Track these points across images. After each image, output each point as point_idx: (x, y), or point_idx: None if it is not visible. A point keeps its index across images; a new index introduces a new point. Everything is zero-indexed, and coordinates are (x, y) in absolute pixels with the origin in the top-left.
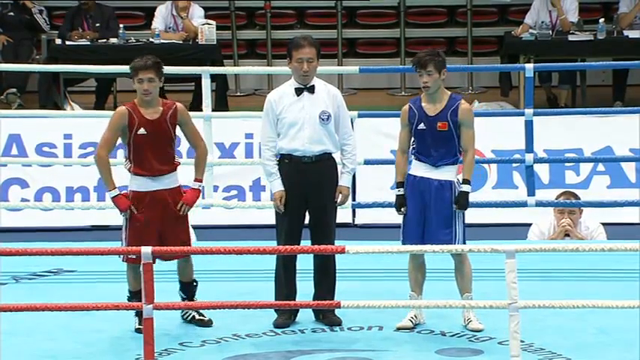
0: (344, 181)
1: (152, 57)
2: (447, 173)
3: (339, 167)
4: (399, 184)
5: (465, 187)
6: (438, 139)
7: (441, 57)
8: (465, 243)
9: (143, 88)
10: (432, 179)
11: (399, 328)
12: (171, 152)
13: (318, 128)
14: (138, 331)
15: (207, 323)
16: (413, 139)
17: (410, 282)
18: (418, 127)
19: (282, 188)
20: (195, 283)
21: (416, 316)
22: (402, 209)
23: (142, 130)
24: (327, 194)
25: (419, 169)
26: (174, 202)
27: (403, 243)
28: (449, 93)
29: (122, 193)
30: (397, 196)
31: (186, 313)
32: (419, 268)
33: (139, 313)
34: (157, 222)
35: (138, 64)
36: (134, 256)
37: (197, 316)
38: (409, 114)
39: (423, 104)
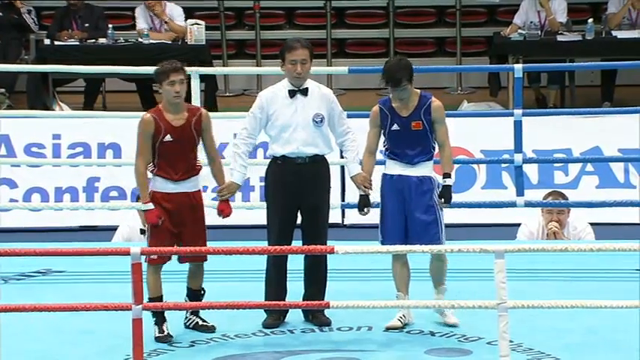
0: (356, 169)
1: (177, 60)
2: (424, 169)
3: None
4: None
5: (448, 181)
6: (412, 138)
7: (408, 66)
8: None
9: (175, 90)
10: (410, 176)
11: (388, 328)
12: (193, 157)
13: (311, 131)
14: (158, 339)
15: (211, 329)
16: (385, 139)
17: (395, 282)
18: (392, 129)
19: (239, 183)
20: (202, 292)
21: (404, 316)
22: (365, 210)
23: (168, 137)
24: (320, 195)
25: (395, 168)
26: (194, 205)
27: (383, 242)
28: (418, 92)
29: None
30: (361, 196)
31: (189, 320)
32: (403, 267)
33: (158, 322)
34: (178, 224)
35: (168, 67)
36: (155, 257)
37: (200, 322)
38: (380, 115)
39: (394, 105)
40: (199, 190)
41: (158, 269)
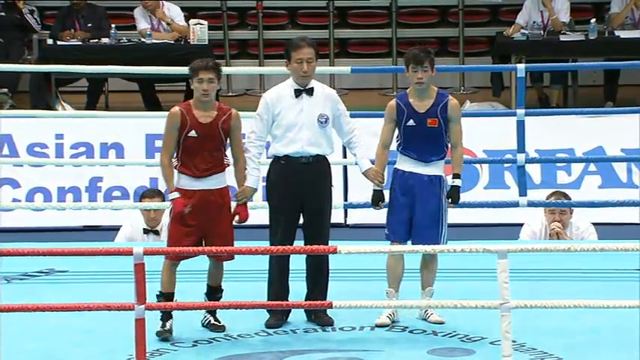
0: (367, 164)
1: (212, 59)
2: (435, 168)
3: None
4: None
5: (457, 182)
6: (427, 135)
7: (433, 54)
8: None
9: (202, 88)
10: (421, 174)
11: (377, 325)
12: (219, 156)
13: (316, 131)
14: (157, 334)
15: (220, 329)
16: (398, 134)
17: (389, 278)
18: (407, 124)
19: (254, 187)
20: (221, 290)
21: (393, 313)
22: (380, 204)
23: (192, 133)
24: (322, 195)
25: (406, 164)
26: (218, 202)
27: (389, 237)
28: (436, 89)
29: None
30: (375, 191)
31: (205, 318)
32: (398, 262)
33: (163, 317)
34: (200, 221)
35: (198, 64)
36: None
37: (212, 320)
38: (397, 110)
39: (410, 100)
40: (225, 188)
41: (174, 265)
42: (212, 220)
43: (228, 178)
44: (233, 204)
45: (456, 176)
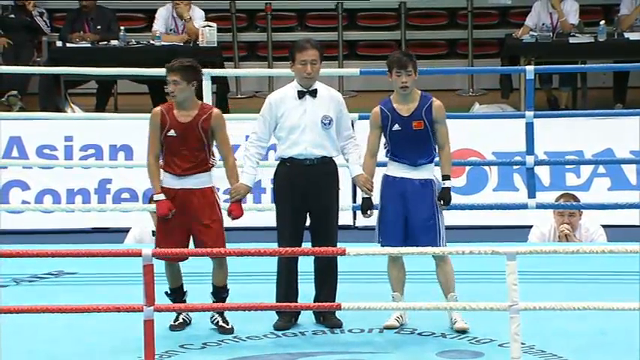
0: (358, 170)
1: (184, 60)
2: (426, 172)
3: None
4: None
5: (448, 183)
6: (414, 138)
7: (414, 57)
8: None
9: (169, 89)
10: (412, 179)
11: (385, 327)
12: (201, 155)
13: (319, 133)
14: (170, 327)
15: (228, 331)
16: (386, 141)
17: (391, 282)
18: (393, 129)
19: (249, 185)
20: (226, 289)
21: (401, 316)
22: (368, 212)
23: (172, 132)
24: (329, 196)
25: (397, 170)
26: (200, 202)
27: (382, 244)
28: (419, 92)
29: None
30: (364, 199)
31: (214, 317)
32: (400, 269)
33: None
34: (184, 221)
35: (167, 65)
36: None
37: (220, 322)
38: (381, 116)
39: (394, 105)
40: (209, 188)
41: (174, 265)
42: (195, 220)
43: (217, 179)
44: (225, 203)
45: (445, 177)
